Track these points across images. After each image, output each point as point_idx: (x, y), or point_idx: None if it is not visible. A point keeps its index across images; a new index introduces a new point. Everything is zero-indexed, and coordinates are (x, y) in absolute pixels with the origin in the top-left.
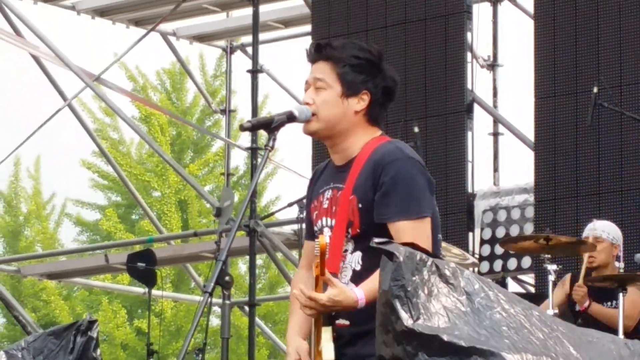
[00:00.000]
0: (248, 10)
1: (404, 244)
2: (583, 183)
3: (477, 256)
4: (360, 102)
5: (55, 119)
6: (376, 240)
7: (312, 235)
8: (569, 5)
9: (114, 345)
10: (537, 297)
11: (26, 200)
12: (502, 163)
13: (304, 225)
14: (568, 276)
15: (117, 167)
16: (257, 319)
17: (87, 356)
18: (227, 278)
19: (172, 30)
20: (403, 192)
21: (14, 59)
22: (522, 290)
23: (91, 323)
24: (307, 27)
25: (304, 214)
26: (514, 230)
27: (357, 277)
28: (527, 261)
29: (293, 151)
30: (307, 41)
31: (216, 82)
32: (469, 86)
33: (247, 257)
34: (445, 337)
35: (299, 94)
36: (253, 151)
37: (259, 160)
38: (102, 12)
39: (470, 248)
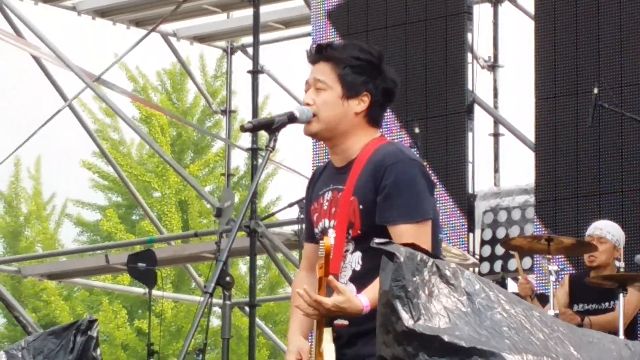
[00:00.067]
0: (248, 11)
1: (405, 245)
2: (583, 184)
3: (477, 257)
4: (360, 104)
5: (56, 119)
6: (377, 240)
7: (312, 237)
8: (569, 6)
9: (115, 346)
10: (537, 298)
11: (26, 200)
12: (502, 164)
13: (304, 227)
14: (567, 277)
15: (117, 167)
16: (257, 320)
17: (87, 356)
18: (227, 278)
19: (173, 30)
20: (405, 195)
21: (14, 60)
22: None
23: (91, 322)
24: (308, 28)
25: (304, 215)
26: (515, 231)
27: (357, 277)
28: (527, 262)
29: (294, 152)
30: (308, 42)
31: (216, 83)
32: (470, 87)
33: (248, 258)
34: (445, 338)
35: (299, 94)
36: (253, 152)
37: (260, 160)
38: (102, 13)
39: (471, 249)
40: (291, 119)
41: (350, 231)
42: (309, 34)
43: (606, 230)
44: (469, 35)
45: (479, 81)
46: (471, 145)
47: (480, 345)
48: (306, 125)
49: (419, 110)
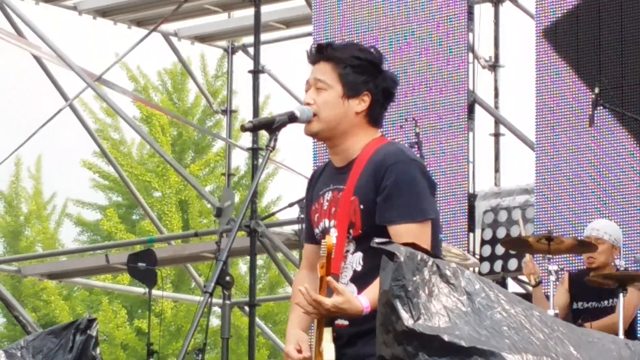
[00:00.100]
0: (249, 11)
1: (405, 244)
2: (584, 184)
3: (477, 257)
4: (361, 103)
5: (57, 119)
6: (377, 240)
7: (312, 237)
8: (570, 6)
9: (114, 345)
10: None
11: (27, 200)
12: (503, 164)
13: (304, 227)
14: (566, 275)
15: (118, 167)
16: (257, 319)
17: (86, 355)
18: (227, 278)
19: (174, 30)
20: (405, 195)
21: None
22: (523, 291)
23: (90, 321)
24: (309, 28)
25: (304, 215)
26: (515, 231)
27: (358, 278)
28: None
29: (294, 151)
30: (309, 42)
31: (217, 83)
32: (470, 87)
33: (248, 258)
34: (445, 337)
35: (300, 94)
36: (254, 151)
37: (260, 160)
38: (103, 13)
39: (471, 248)
40: (292, 118)
41: (351, 231)
42: (310, 34)
43: (603, 231)
44: (470, 35)
45: (479, 81)
46: (472, 145)
47: (480, 345)
48: (307, 125)
49: (419, 110)
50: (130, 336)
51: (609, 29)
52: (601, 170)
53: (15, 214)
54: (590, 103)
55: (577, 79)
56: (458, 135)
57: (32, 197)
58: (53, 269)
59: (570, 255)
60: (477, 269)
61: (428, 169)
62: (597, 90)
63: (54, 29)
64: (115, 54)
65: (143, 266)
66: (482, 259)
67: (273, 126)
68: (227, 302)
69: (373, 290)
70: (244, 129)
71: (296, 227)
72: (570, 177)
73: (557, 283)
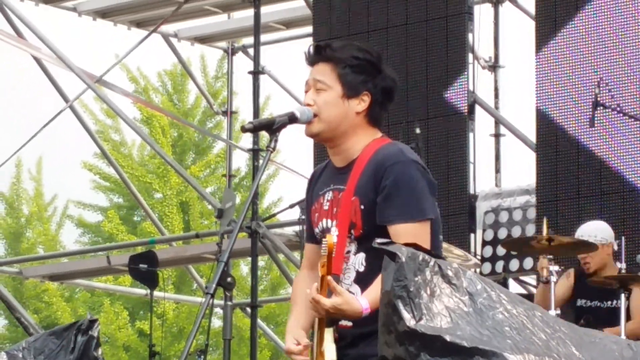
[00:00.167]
0: (249, 12)
1: (406, 245)
2: (584, 184)
3: (478, 257)
4: (361, 103)
5: (57, 120)
6: (378, 240)
7: (312, 237)
8: (570, 6)
9: (116, 347)
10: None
11: (28, 201)
12: (503, 164)
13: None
14: (572, 270)
15: (118, 168)
16: (259, 321)
17: (87, 355)
18: (229, 279)
19: (174, 31)
20: (404, 195)
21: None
22: (524, 292)
23: (92, 322)
24: (309, 29)
25: (305, 215)
26: (516, 232)
27: (361, 279)
28: (528, 262)
29: (295, 152)
30: (309, 42)
31: (217, 84)
32: (471, 87)
33: (249, 259)
34: (447, 338)
35: (300, 95)
36: (254, 152)
37: (261, 161)
38: (103, 14)
39: (472, 249)
40: (292, 119)
41: (353, 231)
42: (310, 35)
43: (587, 235)
44: (470, 36)
45: (479, 81)
46: (472, 146)
47: (482, 345)
48: (307, 126)
49: (419, 110)
50: (132, 337)
51: (609, 29)
52: (601, 170)
53: (16, 216)
54: (591, 103)
55: (577, 79)
56: (458, 136)
57: (33, 199)
58: (54, 271)
59: (570, 258)
60: (478, 270)
61: (428, 170)
62: (597, 90)
63: (54, 30)
64: (115, 55)
65: (144, 267)
66: (483, 259)
67: (273, 127)
68: (229, 303)
69: (372, 292)
70: (244, 130)
71: (297, 228)
72: (571, 177)
73: (562, 277)
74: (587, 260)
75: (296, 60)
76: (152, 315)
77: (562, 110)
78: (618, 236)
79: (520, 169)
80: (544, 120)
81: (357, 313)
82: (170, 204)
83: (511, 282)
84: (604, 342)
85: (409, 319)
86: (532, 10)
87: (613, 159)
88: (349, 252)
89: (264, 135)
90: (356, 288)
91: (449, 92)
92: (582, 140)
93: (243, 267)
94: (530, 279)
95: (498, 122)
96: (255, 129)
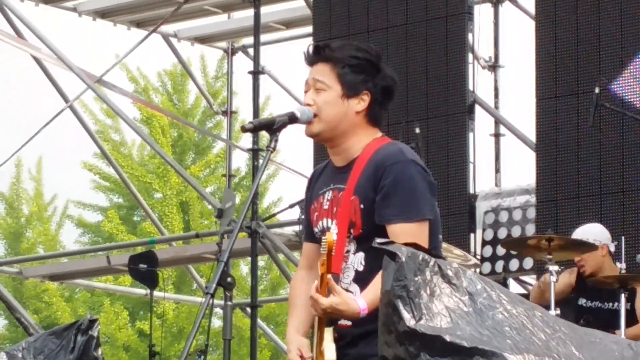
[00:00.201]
0: (249, 12)
1: (406, 244)
2: (585, 184)
3: (478, 257)
4: (360, 103)
5: (57, 120)
6: (378, 240)
7: (311, 237)
8: (570, 6)
9: (116, 347)
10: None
11: (28, 201)
12: (503, 164)
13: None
14: (575, 268)
15: (118, 168)
16: (259, 320)
17: (87, 355)
18: (229, 279)
19: (174, 31)
20: (403, 195)
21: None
22: (524, 291)
23: (92, 322)
24: (309, 29)
25: (303, 214)
26: (516, 231)
27: (360, 278)
28: (528, 262)
29: (295, 152)
30: (309, 42)
31: (217, 84)
32: (470, 87)
33: (249, 259)
34: (447, 338)
35: (300, 95)
36: (254, 152)
37: (261, 161)
38: (103, 14)
39: (472, 249)
40: (292, 119)
41: (352, 231)
42: (309, 35)
43: (582, 238)
44: (470, 36)
45: (479, 81)
46: (472, 146)
47: (482, 345)
48: (307, 126)
49: (419, 110)
50: (132, 338)
51: (608, 29)
52: (601, 170)
53: (16, 216)
54: (591, 103)
55: (577, 79)
56: (458, 136)
57: (33, 199)
58: (54, 271)
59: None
60: (478, 270)
61: (428, 169)
62: (597, 90)
63: (53, 30)
64: (115, 55)
65: (144, 267)
66: (483, 259)
67: (273, 127)
68: (229, 303)
69: (370, 292)
70: (244, 130)
71: (297, 228)
72: (571, 177)
73: (564, 273)
74: (581, 262)
75: (296, 60)
76: (152, 315)
77: (562, 110)
78: (618, 236)
79: (520, 169)
80: (543, 120)
81: (354, 313)
82: (170, 204)
83: (511, 282)
84: (604, 342)
85: (408, 319)
86: (532, 10)
87: (613, 158)
88: (348, 251)
89: (264, 135)
90: (355, 287)
91: (448, 91)
92: (582, 140)
93: (243, 267)
94: (530, 279)
95: (498, 121)
96: (255, 129)
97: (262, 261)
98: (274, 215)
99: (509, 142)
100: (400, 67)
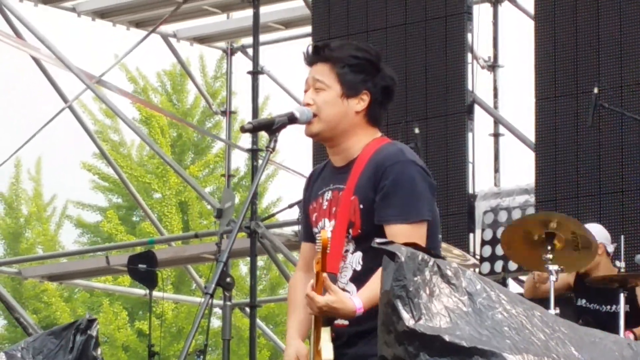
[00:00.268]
0: (248, 12)
1: (406, 244)
2: (584, 184)
3: (477, 257)
4: (360, 103)
5: (56, 120)
6: (378, 240)
7: (310, 237)
8: (569, 6)
9: (115, 347)
10: (539, 300)
11: (27, 202)
12: (502, 164)
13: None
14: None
15: (117, 168)
16: (258, 320)
17: (86, 355)
18: (228, 279)
19: (173, 31)
20: (402, 195)
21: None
22: (523, 291)
23: (90, 322)
24: (308, 29)
25: (302, 215)
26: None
27: (358, 278)
28: None
29: (294, 152)
30: (308, 42)
31: (217, 84)
32: (470, 87)
33: (248, 259)
34: (446, 338)
35: (299, 95)
36: (254, 152)
37: (260, 161)
38: (102, 14)
39: (471, 249)
40: (291, 119)
41: (351, 230)
42: (309, 35)
43: None
44: (469, 36)
45: (479, 81)
46: (471, 146)
47: (481, 345)
48: (307, 126)
49: (418, 110)
50: (131, 338)
51: (607, 29)
52: (601, 170)
53: (15, 216)
54: (590, 103)
55: (576, 79)
56: (457, 136)
57: (32, 199)
58: (53, 271)
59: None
60: (477, 270)
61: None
62: (596, 90)
63: (53, 30)
64: (115, 55)
65: (143, 268)
66: (482, 259)
67: (273, 127)
68: (228, 303)
69: (366, 291)
70: (243, 130)
71: (296, 228)
72: (570, 177)
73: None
74: None
75: (295, 60)
76: (151, 315)
77: (561, 110)
78: (617, 236)
79: (520, 169)
80: (543, 120)
81: (350, 312)
82: (169, 204)
83: (510, 282)
84: (604, 342)
85: (408, 319)
86: (531, 10)
87: (612, 159)
88: (346, 251)
89: (263, 135)
90: (352, 287)
91: (448, 91)
92: (582, 140)
93: (242, 267)
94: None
95: (497, 121)
96: (254, 129)
97: (261, 261)
98: (273, 215)
99: (508, 142)
100: (400, 67)
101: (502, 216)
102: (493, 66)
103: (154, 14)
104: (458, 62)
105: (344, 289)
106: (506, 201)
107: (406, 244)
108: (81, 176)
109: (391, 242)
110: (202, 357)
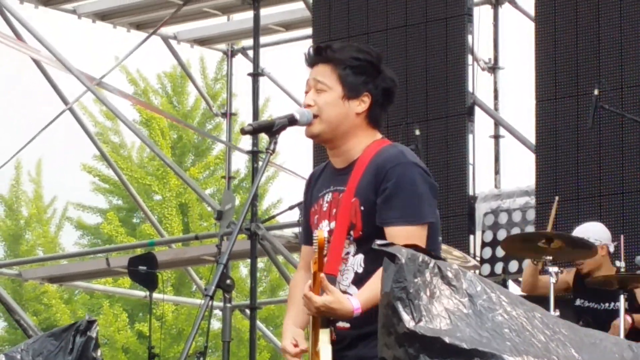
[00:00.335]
0: (249, 14)
1: (406, 246)
2: (584, 185)
3: (478, 259)
4: (361, 104)
5: (56, 122)
6: (378, 242)
7: (310, 239)
8: (569, 8)
9: (115, 349)
10: (538, 299)
11: (27, 203)
12: (503, 165)
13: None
14: (573, 269)
15: (118, 170)
16: (258, 322)
17: (86, 356)
18: (228, 281)
19: (173, 33)
20: (404, 198)
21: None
22: (522, 282)
23: (90, 323)
24: (308, 31)
25: (302, 217)
26: (516, 233)
27: (359, 280)
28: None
29: (294, 154)
30: (308, 44)
31: (217, 86)
32: (470, 89)
33: (249, 261)
34: (447, 339)
35: (300, 97)
36: (254, 154)
37: (260, 163)
38: (103, 16)
39: (472, 251)
40: (291, 121)
41: (352, 232)
42: (309, 37)
43: (583, 237)
44: (469, 37)
45: (479, 83)
46: (472, 147)
47: (482, 347)
48: (308, 127)
49: (419, 112)
50: (132, 339)
51: (608, 31)
52: (601, 171)
53: (15, 218)
54: (590, 105)
55: (576, 81)
56: (458, 138)
57: (32, 201)
58: (54, 273)
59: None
60: (477, 272)
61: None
62: (596, 91)
63: (53, 32)
64: (115, 57)
65: (144, 269)
66: (482, 261)
67: (273, 129)
68: (228, 305)
69: (365, 292)
70: (244, 132)
71: (297, 229)
72: (570, 178)
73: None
74: (582, 262)
75: (296, 62)
76: (152, 317)
77: (561, 112)
78: (617, 237)
79: (520, 170)
80: (543, 122)
81: (348, 312)
82: (169, 206)
83: (511, 284)
84: (605, 344)
85: (408, 321)
86: (531, 11)
87: (612, 159)
88: (348, 253)
89: (264, 137)
90: (354, 289)
91: (448, 93)
92: (582, 141)
93: (242, 269)
94: None
95: (497, 123)
96: (254, 131)
97: (261, 263)
98: (273, 217)
99: (509, 143)
100: (400, 69)
101: (503, 218)
102: (493, 68)
103: (155, 16)
104: (458, 63)
105: (345, 292)
106: (507, 203)
107: (406, 246)
108: (81, 178)
109: (391, 244)
110: (202, 358)
